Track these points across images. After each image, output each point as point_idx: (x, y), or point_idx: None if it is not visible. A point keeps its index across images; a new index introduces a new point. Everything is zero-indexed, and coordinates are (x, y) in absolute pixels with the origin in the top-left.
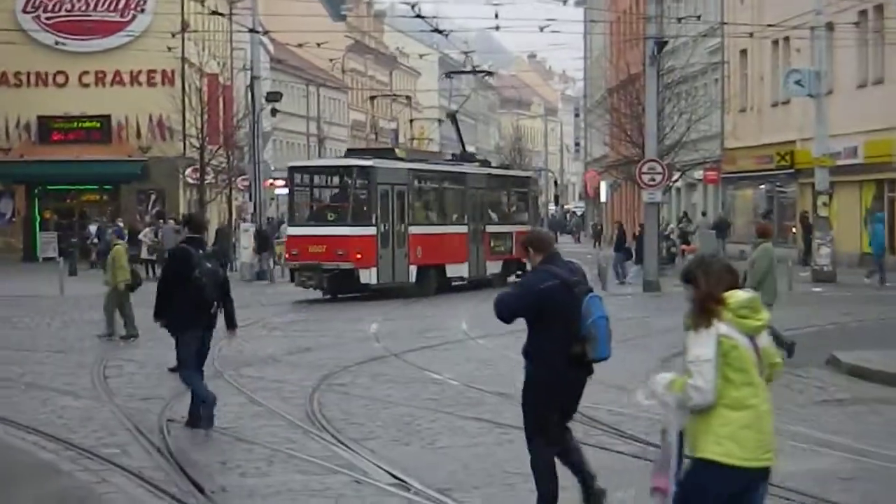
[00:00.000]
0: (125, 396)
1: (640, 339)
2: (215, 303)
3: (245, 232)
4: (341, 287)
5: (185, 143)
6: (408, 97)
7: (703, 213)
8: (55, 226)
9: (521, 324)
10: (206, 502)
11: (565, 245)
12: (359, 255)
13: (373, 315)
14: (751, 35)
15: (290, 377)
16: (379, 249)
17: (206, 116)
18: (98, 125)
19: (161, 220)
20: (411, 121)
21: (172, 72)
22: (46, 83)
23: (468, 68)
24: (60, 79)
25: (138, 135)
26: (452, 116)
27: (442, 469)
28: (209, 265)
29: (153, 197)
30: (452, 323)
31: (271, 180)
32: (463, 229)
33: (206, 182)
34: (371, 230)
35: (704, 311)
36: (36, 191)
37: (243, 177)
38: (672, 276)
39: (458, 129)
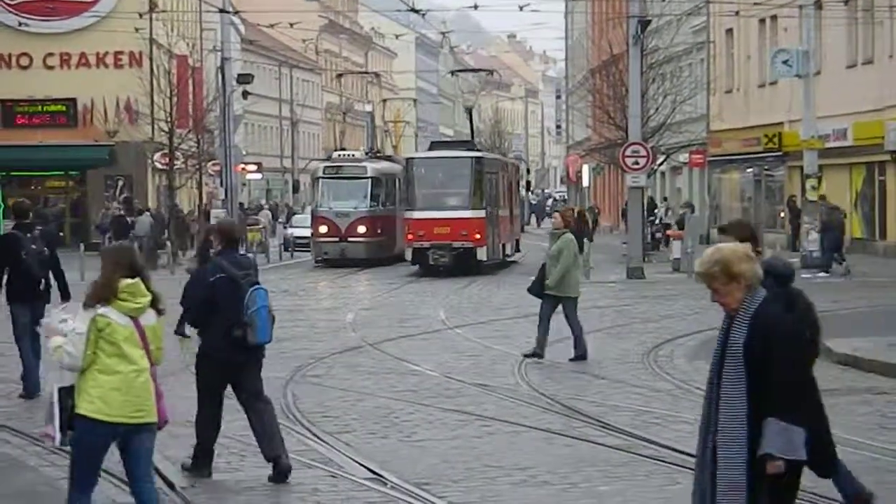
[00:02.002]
0: None
1: (621, 328)
2: (42, 279)
3: (216, 218)
4: (460, 264)
5: (153, 127)
6: (376, 74)
7: (692, 207)
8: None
9: (501, 314)
10: (177, 499)
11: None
12: (477, 236)
13: (349, 305)
14: (737, 13)
15: (263, 369)
16: (487, 230)
17: (175, 99)
18: (63, 109)
19: (137, 212)
20: (384, 101)
21: (140, 53)
22: (10, 65)
23: (446, 49)
24: (24, 61)
25: (105, 119)
26: (469, 111)
27: (420, 462)
28: (34, 247)
29: (121, 183)
30: (430, 312)
31: (243, 165)
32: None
33: (176, 167)
34: (482, 213)
35: (94, 295)
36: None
37: (214, 161)
38: (656, 262)
39: (471, 122)
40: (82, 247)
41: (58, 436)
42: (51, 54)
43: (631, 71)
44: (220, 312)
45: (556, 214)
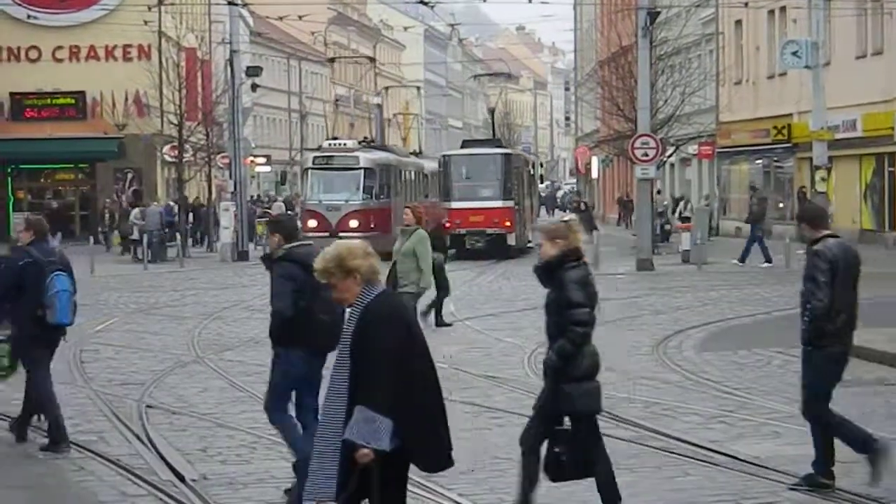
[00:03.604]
0: (102, 382)
1: (631, 320)
2: None
3: (225, 211)
4: (492, 248)
5: (162, 120)
6: (370, 58)
7: (706, 200)
8: (28, 206)
9: (511, 306)
10: (187, 491)
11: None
12: (507, 223)
13: None
14: (746, 5)
15: None
16: (515, 218)
17: (184, 92)
18: (72, 101)
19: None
20: (386, 88)
21: (149, 46)
22: (18, 58)
23: (454, 41)
24: (33, 54)
25: (114, 111)
26: (492, 112)
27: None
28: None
29: (130, 175)
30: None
31: (252, 158)
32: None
33: (185, 160)
34: (511, 203)
35: None
36: (9, 170)
37: (223, 154)
38: (665, 254)
39: (493, 121)
40: (91, 240)
41: None
42: (60, 47)
43: (640, 62)
44: (27, 295)
45: (407, 210)
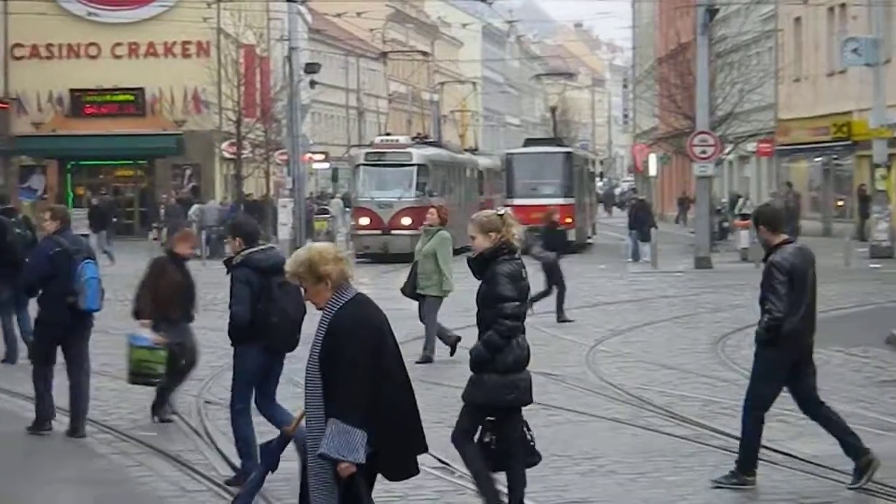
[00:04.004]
0: None
1: (689, 318)
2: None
3: (283, 208)
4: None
5: (220, 117)
6: (424, 53)
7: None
8: (87, 202)
9: (569, 303)
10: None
11: (615, 218)
12: (568, 220)
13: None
14: (805, 2)
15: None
16: (576, 215)
17: (242, 89)
18: (132, 98)
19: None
20: (441, 84)
21: (208, 43)
22: (78, 55)
23: (512, 38)
24: (93, 51)
25: (173, 108)
26: (553, 110)
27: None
28: (18, 230)
29: (188, 172)
30: None
31: (310, 154)
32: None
33: (243, 157)
34: (572, 200)
35: None
36: (68, 166)
37: (281, 151)
38: (724, 252)
39: (554, 120)
40: (150, 235)
41: None
42: (119, 44)
43: (699, 60)
44: (56, 282)
45: (432, 210)
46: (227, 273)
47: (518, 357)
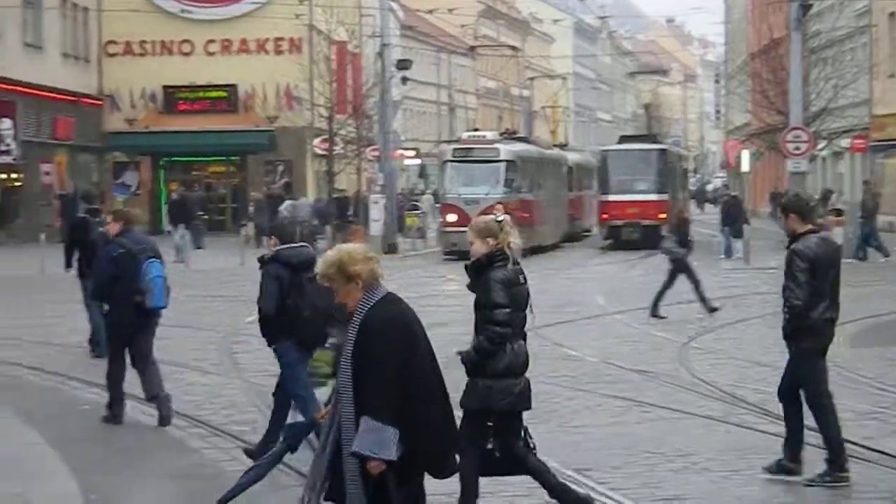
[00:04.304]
0: (254, 372)
1: (780, 315)
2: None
3: (375, 204)
4: (647, 239)
5: (313, 113)
6: (513, 47)
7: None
8: (178, 197)
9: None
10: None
11: (707, 215)
12: (662, 215)
13: None
14: None
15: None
16: (670, 211)
17: (334, 85)
18: (224, 95)
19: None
20: (531, 79)
21: (300, 39)
22: (171, 52)
23: (604, 34)
24: (186, 48)
25: (265, 104)
26: (647, 107)
27: (580, 448)
28: (101, 229)
29: (280, 168)
30: (588, 297)
31: (401, 151)
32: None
33: (335, 153)
34: (666, 196)
35: None
36: (161, 162)
37: (372, 147)
38: None
39: (648, 117)
40: (242, 231)
41: None
42: (212, 41)
43: (792, 55)
44: (123, 283)
45: (498, 206)
46: (260, 269)
47: (511, 363)
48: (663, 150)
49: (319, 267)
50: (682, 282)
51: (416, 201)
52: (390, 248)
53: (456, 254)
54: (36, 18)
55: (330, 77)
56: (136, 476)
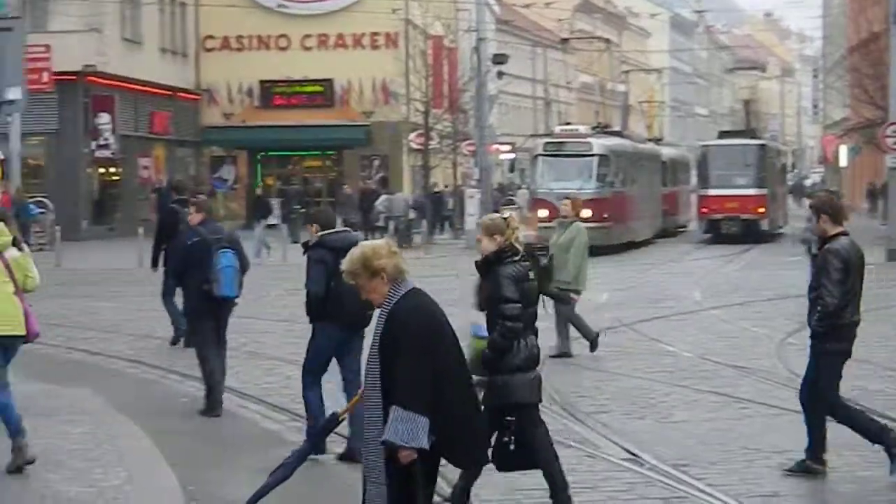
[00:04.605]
0: None
1: (880, 312)
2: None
3: (470, 198)
4: (746, 234)
5: (408, 108)
6: (606, 40)
7: None
8: (277, 192)
9: (758, 294)
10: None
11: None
12: (761, 210)
13: (602, 285)
14: None
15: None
16: (768, 205)
17: (430, 80)
18: (320, 89)
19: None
20: (626, 72)
21: (396, 34)
22: (268, 47)
23: (700, 28)
24: (282, 42)
25: (361, 99)
26: (746, 103)
27: (677, 444)
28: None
29: (376, 162)
30: (684, 292)
31: (496, 145)
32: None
33: (431, 147)
34: (765, 191)
35: None
36: (258, 156)
37: (468, 142)
38: None
39: (747, 113)
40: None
41: None
42: (308, 35)
43: (892, 49)
44: (195, 271)
45: (567, 202)
46: (304, 255)
47: (525, 357)
48: (762, 145)
49: (345, 265)
50: (780, 276)
51: (512, 196)
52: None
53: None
54: (135, 14)
55: (426, 72)
56: (233, 469)
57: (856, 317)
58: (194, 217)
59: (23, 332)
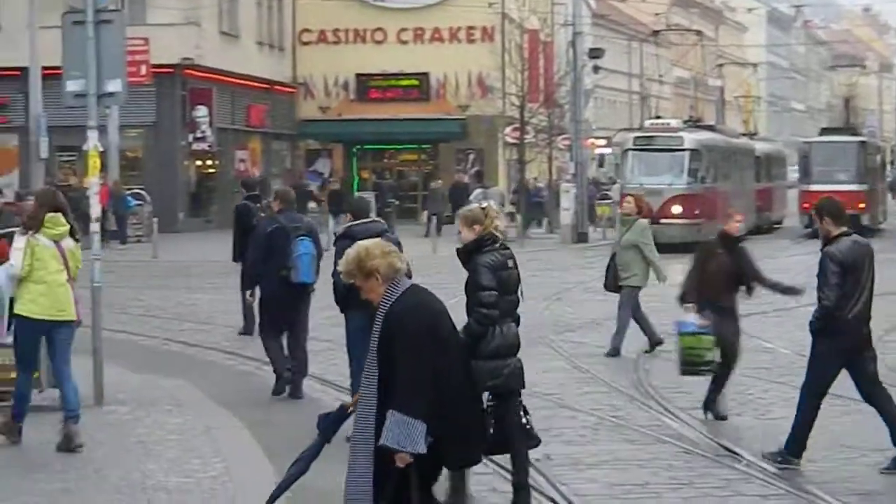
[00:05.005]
0: None
1: None
2: None
3: (566, 193)
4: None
5: (504, 102)
6: (697, 32)
7: None
8: (372, 185)
9: None
10: (531, 470)
11: None
12: (862, 205)
13: None
14: None
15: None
16: (869, 200)
17: (526, 74)
18: (416, 83)
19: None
20: (720, 66)
21: (492, 28)
22: (364, 40)
23: (798, 23)
24: (379, 36)
25: (457, 93)
26: (846, 101)
27: (775, 441)
28: (263, 215)
29: (472, 156)
30: None
31: (592, 139)
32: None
33: (526, 141)
34: (866, 187)
35: (27, 225)
36: (353, 150)
37: (564, 136)
38: None
39: (847, 110)
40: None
41: (4, 330)
42: (404, 29)
43: None
44: (274, 259)
45: (630, 198)
46: (335, 244)
47: (500, 345)
48: (863, 141)
49: (341, 265)
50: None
51: (607, 190)
52: (580, 238)
53: None
54: (232, 7)
55: (522, 65)
56: (328, 460)
57: (855, 314)
58: (275, 205)
59: (74, 318)
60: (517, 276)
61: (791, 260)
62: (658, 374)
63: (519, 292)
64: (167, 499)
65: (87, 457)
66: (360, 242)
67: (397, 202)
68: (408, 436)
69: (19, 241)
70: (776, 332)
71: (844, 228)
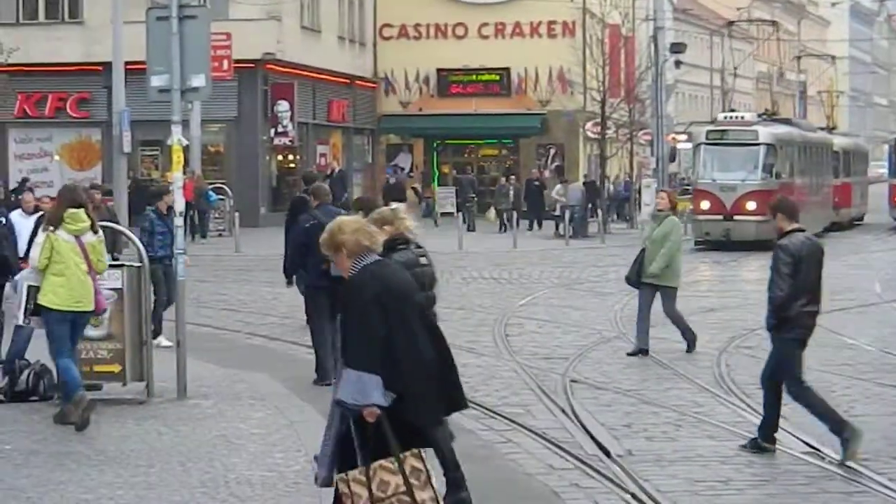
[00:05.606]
0: (527, 355)
1: None
2: None
3: (647, 188)
4: None
5: (585, 97)
6: (773, 22)
7: None
8: (453, 180)
9: None
10: (613, 466)
11: None
12: None
13: None
14: None
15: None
16: None
17: (607, 68)
18: (497, 78)
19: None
20: (798, 58)
21: (573, 23)
22: (445, 35)
23: (882, 17)
24: (460, 31)
25: (537, 88)
26: None
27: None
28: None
29: (552, 151)
30: (864, 284)
31: (674, 135)
32: None
33: (607, 136)
34: None
35: (48, 220)
36: (434, 144)
37: (645, 131)
38: None
39: None
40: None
41: (21, 318)
42: (485, 24)
43: None
44: (313, 251)
45: (663, 194)
46: None
47: None
48: None
49: (321, 238)
50: None
51: (689, 185)
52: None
53: (708, 243)
54: (313, 2)
55: (603, 60)
56: None
57: (809, 307)
58: (313, 201)
59: (92, 308)
60: (431, 273)
61: (872, 257)
62: (739, 370)
63: (434, 289)
64: (251, 493)
65: (171, 450)
66: (338, 218)
67: (476, 196)
68: (360, 390)
69: (40, 237)
70: (858, 328)
71: (797, 225)
